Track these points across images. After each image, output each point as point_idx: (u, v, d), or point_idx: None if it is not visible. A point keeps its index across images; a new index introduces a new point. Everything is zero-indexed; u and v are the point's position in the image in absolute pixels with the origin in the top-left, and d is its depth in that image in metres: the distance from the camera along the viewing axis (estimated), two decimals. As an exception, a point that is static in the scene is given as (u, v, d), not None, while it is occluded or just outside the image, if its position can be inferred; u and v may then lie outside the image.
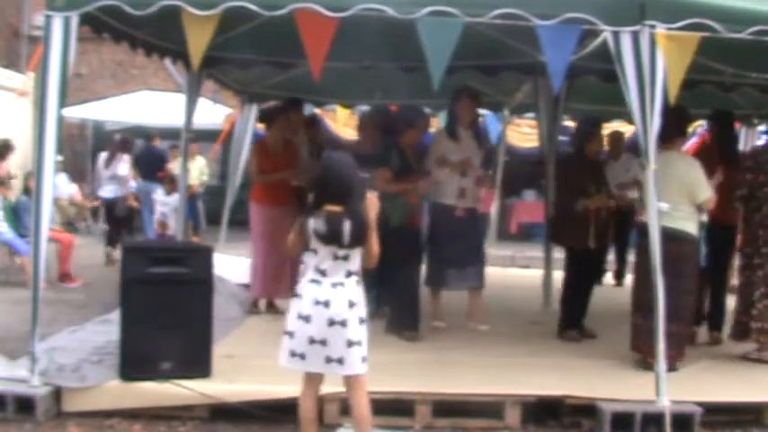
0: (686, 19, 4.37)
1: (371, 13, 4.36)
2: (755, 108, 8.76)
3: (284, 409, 4.51)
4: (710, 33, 4.38)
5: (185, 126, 7.48)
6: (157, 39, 6.23)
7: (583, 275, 6.23)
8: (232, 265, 8.43)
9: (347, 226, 3.68)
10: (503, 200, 11.79)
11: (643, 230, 5.04)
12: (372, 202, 3.80)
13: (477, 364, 5.24)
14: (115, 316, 5.59)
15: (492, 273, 10.21)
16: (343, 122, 12.58)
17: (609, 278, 8.99)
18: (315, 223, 3.71)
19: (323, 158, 3.92)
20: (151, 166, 12.79)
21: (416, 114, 6.46)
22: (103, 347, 5.18)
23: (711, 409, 4.53)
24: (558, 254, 7.77)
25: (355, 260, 3.78)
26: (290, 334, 3.76)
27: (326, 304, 3.69)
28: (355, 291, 3.77)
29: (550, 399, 4.64)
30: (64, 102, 4.61)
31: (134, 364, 4.61)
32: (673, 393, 4.43)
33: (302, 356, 3.75)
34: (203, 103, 8.83)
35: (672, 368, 4.98)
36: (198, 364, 4.71)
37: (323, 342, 3.69)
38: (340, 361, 3.71)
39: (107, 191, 11.78)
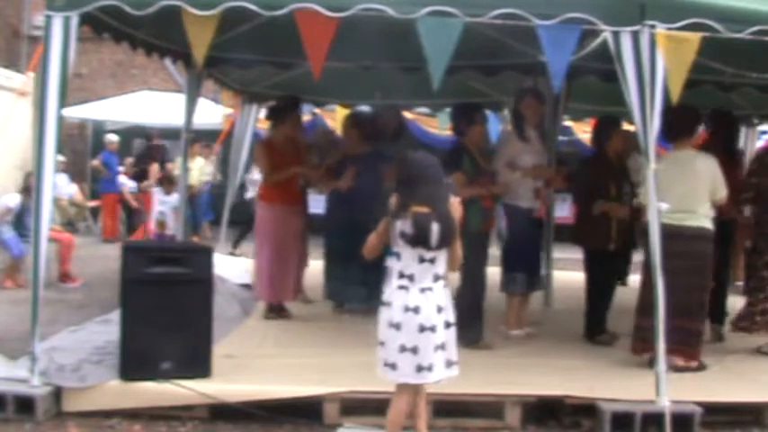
0: (686, 19, 4.37)
1: (371, 13, 4.36)
2: (755, 108, 8.77)
3: (284, 409, 4.52)
4: (710, 33, 4.38)
5: (185, 126, 7.48)
6: (157, 39, 6.23)
7: (603, 276, 6.11)
8: (232, 265, 8.45)
9: (435, 227, 3.61)
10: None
11: (665, 232, 5.09)
12: (455, 207, 3.74)
13: (478, 364, 5.24)
14: (115, 316, 5.59)
15: (493, 272, 10.23)
16: (342, 122, 12.57)
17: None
18: (402, 225, 3.64)
19: (408, 158, 3.83)
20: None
21: (474, 111, 6.17)
22: (103, 347, 5.18)
23: (711, 409, 4.53)
24: (558, 254, 7.79)
25: (441, 263, 3.71)
26: (382, 343, 3.73)
27: (416, 310, 3.63)
28: (443, 295, 3.72)
29: (550, 399, 4.64)
30: (64, 102, 4.61)
31: (134, 364, 4.60)
32: (673, 393, 4.42)
33: (393, 366, 3.68)
34: (203, 103, 8.85)
35: (701, 367, 5.21)
36: (198, 364, 4.70)
37: (414, 350, 3.63)
38: (430, 368, 3.66)
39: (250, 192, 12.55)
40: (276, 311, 6.71)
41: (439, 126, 13.24)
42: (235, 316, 6.66)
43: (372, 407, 4.53)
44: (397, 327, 3.66)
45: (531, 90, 6.40)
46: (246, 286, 7.80)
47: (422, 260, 3.67)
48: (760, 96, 7.58)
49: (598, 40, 4.84)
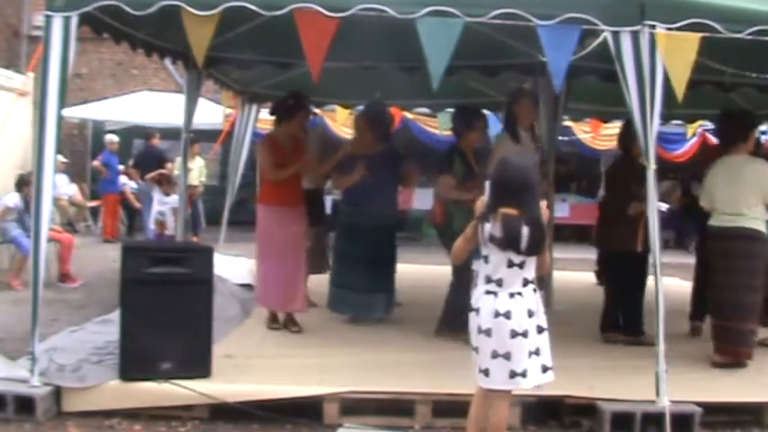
0: (686, 19, 4.37)
1: (371, 13, 4.36)
2: (755, 108, 8.76)
3: (284, 409, 4.52)
4: (710, 33, 4.38)
5: (185, 126, 7.47)
6: (157, 39, 6.23)
7: (629, 278, 6.05)
8: (232, 265, 8.44)
9: (525, 231, 3.53)
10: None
11: (716, 233, 5.39)
12: (544, 211, 3.67)
13: (477, 364, 5.24)
14: (115, 316, 5.59)
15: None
16: (342, 122, 12.58)
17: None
18: (491, 228, 3.57)
19: (503, 160, 3.76)
20: (151, 166, 12.80)
21: (474, 115, 6.25)
22: (103, 347, 5.17)
23: (711, 409, 4.53)
24: (557, 254, 7.78)
25: (531, 268, 3.63)
26: (476, 350, 3.68)
27: (507, 316, 3.56)
28: (533, 299, 3.65)
29: (550, 399, 4.64)
30: (64, 102, 4.60)
31: (134, 364, 4.60)
32: (673, 393, 4.43)
33: (486, 373, 3.64)
34: (203, 104, 8.84)
35: (742, 364, 5.33)
36: (198, 364, 4.70)
37: (506, 356, 3.57)
38: (524, 374, 3.61)
39: None
40: (283, 323, 6.36)
41: (439, 126, 13.24)
42: (235, 316, 6.66)
43: (372, 407, 4.54)
44: (487, 333, 3.59)
45: (527, 91, 6.38)
46: (246, 286, 7.80)
47: (511, 264, 3.59)
48: (760, 96, 7.58)
49: (598, 41, 4.84)
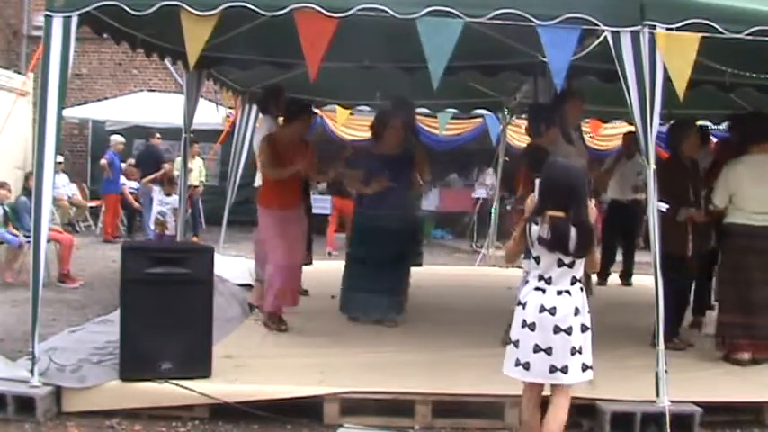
0: (686, 19, 4.38)
1: (371, 14, 4.36)
2: (756, 108, 8.76)
3: (284, 409, 4.52)
4: (710, 33, 4.38)
5: (185, 126, 7.47)
6: (157, 39, 6.23)
7: (680, 281, 5.81)
8: (232, 265, 8.44)
9: (573, 233, 3.58)
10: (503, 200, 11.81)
11: (748, 232, 5.45)
12: (592, 211, 3.72)
13: (477, 364, 5.24)
14: (115, 316, 5.59)
15: (492, 272, 10.20)
16: (342, 123, 12.57)
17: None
18: (539, 230, 3.62)
19: (548, 163, 3.79)
20: (151, 166, 12.80)
21: (552, 112, 5.87)
22: (103, 347, 5.17)
23: (711, 409, 4.53)
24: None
25: (580, 267, 3.70)
26: (515, 343, 3.71)
27: (552, 311, 3.62)
28: (580, 297, 3.69)
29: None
30: (64, 102, 4.61)
31: (134, 364, 4.60)
32: (673, 393, 4.43)
33: (526, 366, 3.67)
34: (203, 104, 8.84)
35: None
36: (198, 364, 4.70)
37: (548, 351, 3.62)
38: (564, 370, 3.64)
39: (478, 193, 14.78)
40: (276, 322, 6.38)
41: (439, 126, 13.23)
42: (235, 316, 6.66)
43: (372, 407, 4.54)
44: (531, 327, 3.64)
45: (576, 91, 6.05)
46: (246, 286, 7.80)
47: (561, 264, 3.65)
48: (760, 96, 7.59)
49: (598, 41, 4.84)
